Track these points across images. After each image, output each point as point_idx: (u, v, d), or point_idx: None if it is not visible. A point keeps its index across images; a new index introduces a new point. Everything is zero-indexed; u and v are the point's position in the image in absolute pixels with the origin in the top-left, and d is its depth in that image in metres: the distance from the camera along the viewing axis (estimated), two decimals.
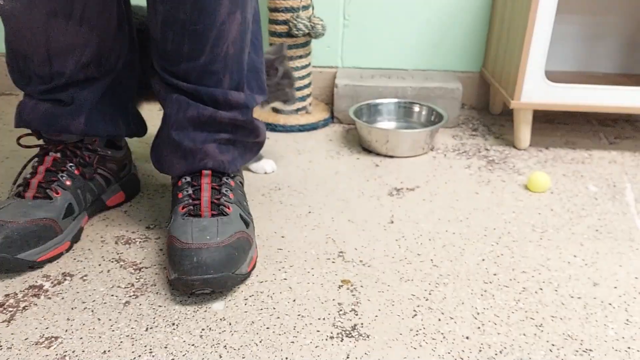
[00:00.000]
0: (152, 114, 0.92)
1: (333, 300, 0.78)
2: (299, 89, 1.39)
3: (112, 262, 0.86)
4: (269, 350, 0.69)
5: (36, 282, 0.81)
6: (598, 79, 1.40)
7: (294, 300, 0.78)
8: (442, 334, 0.72)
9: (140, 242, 0.91)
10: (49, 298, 0.77)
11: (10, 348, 0.68)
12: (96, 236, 0.93)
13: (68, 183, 0.90)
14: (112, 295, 0.78)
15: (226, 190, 0.87)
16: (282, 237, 0.93)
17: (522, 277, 0.83)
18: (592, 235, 0.95)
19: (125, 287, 0.80)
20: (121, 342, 0.70)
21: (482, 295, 0.79)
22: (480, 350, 0.69)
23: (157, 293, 0.79)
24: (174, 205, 0.86)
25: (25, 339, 0.70)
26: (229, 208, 0.84)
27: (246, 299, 0.78)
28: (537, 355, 0.68)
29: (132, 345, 0.69)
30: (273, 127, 1.39)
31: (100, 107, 0.92)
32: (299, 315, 0.75)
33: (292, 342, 0.70)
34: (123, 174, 1.03)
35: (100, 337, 0.70)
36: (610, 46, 1.46)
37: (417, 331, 0.72)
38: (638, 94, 1.20)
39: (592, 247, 0.92)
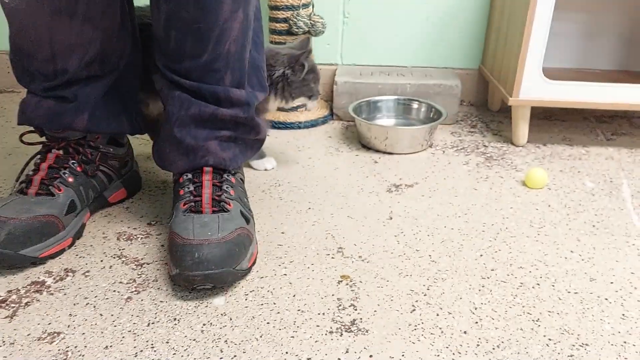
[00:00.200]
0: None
1: (332, 295, 0.79)
2: None
3: (114, 258, 0.87)
4: (269, 344, 0.69)
5: (38, 278, 0.82)
6: (596, 76, 1.41)
7: (294, 296, 0.79)
8: (440, 328, 0.73)
9: (141, 238, 0.92)
10: (51, 294, 0.78)
11: (13, 344, 0.69)
12: (98, 232, 0.93)
13: (70, 180, 0.90)
14: (114, 291, 0.79)
15: (227, 187, 0.88)
16: (282, 233, 0.94)
17: (519, 273, 0.84)
18: (589, 231, 0.96)
19: (127, 283, 0.81)
20: (123, 337, 0.71)
21: (480, 290, 0.80)
22: (478, 345, 0.70)
23: (158, 289, 0.80)
24: (175, 201, 0.87)
25: (28, 335, 0.71)
26: (229, 204, 0.85)
27: (247, 295, 0.79)
28: (534, 349, 0.69)
29: (134, 340, 0.70)
30: (273, 124, 1.40)
31: (103, 105, 0.93)
32: (299, 310, 0.76)
33: (292, 336, 0.71)
34: (125, 171, 1.03)
35: (102, 332, 0.71)
36: (607, 43, 1.47)
37: (416, 326, 0.73)
38: (634, 91, 1.20)
39: (589, 242, 0.93)
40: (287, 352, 0.68)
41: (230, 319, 0.74)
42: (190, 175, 0.89)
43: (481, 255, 0.88)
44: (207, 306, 0.76)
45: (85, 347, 0.69)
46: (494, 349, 0.69)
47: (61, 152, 0.92)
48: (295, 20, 1.34)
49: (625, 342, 0.71)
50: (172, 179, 0.94)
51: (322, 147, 1.30)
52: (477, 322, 0.74)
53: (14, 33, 0.86)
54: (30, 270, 0.83)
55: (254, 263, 0.84)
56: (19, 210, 0.83)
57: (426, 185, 1.12)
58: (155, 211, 1.00)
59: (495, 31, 1.41)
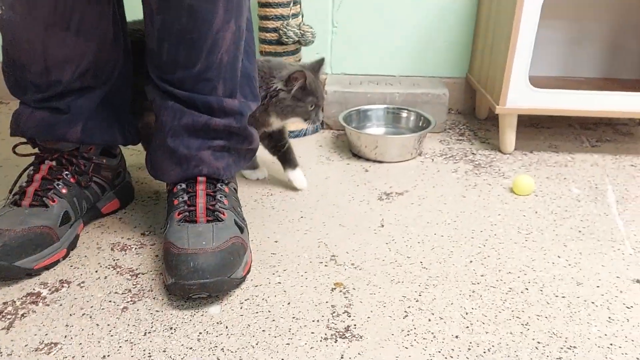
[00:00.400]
0: None
1: (326, 302, 0.80)
2: None
3: (109, 268, 0.87)
4: (265, 352, 0.71)
5: (34, 289, 0.82)
6: (581, 84, 1.44)
7: (289, 303, 0.80)
8: (432, 333, 0.74)
9: (136, 248, 0.93)
10: (47, 305, 0.79)
11: (10, 355, 0.70)
12: (92, 243, 0.94)
13: (64, 191, 0.91)
14: (110, 301, 0.80)
15: (221, 197, 0.89)
16: (276, 241, 0.95)
17: (508, 278, 0.86)
18: (575, 236, 0.98)
19: (122, 293, 0.82)
20: (120, 346, 0.71)
21: (470, 295, 0.82)
22: (469, 349, 0.72)
23: (154, 298, 0.80)
24: (170, 211, 0.88)
25: (25, 346, 0.71)
26: (223, 214, 0.86)
27: (242, 303, 0.80)
28: (524, 352, 0.71)
29: (131, 349, 0.71)
30: None
31: (96, 116, 0.93)
32: (293, 317, 0.77)
33: (288, 343, 0.72)
34: (118, 181, 1.04)
35: (99, 342, 0.72)
36: (592, 51, 1.50)
37: (409, 331, 0.74)
38: (618, 98, 1.24)
39: (576, 247, 0.95)
40: (282, 359, 0.69)
41: (226, 327, 0.75)
42: (184, 185, 0.90)
43: (471, 262, 0.90)
44: (203, 315, 0.77)
45: (83, 357, 0.69)
46: (484, 352, 0.71)
47: (54, 163, 0.93)
48: (285, 30, 1.36)
49: (611, 345, 0.73)
50: (165, 189, 0.95)
51: (313, 156, 1.31)
52: (468, 327, 0.75)
53: (6, 44, 0.87)
54: (26, 282, 0.84)
55: (248, 271, 0.85)
56: (14, 222, 0.84)
57: (416, 193, 1.13)
58: (148, 221, 1.01)
59: (482, 41, 1.43)
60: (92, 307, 0.79)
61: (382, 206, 1.08)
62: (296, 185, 1.13)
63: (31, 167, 0.94)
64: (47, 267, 0.86)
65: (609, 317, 0.78)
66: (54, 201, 0.89)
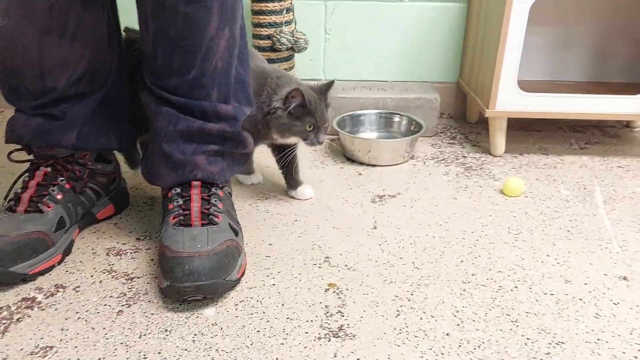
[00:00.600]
0: None
1: (320, 303, 0.81)
2: None
3: (104, 273, 0.88)
4: (259, 352, 0.72)
5: (29, 294, 0.83)
6: (569, 88, 1.46)
7: (283, 305, 0.81)
8: (424, 331, 0.75)
9: (131, 253, 0.94)
10: (43, 309, 0.80)
11: (6, 359, 0.70)
12: (87, 248, 0.95)
13: (59, 197, 0.92)
14: (105, 305, 0.81)
15: (215, 201, 0.90)
16: (270, 244, 0.96)
17: (498, 277, 0.88)
18: (564, 236, 1.00)
19: (117, 297, 0.82)
20: (115, 349, 0.72)
21: (461, 294, 0.83)
22: (459, 346, 0.73)
23: (149, 301, 0.81)
24: (165, 215, 0.89)
25: (21, 350, 0.72)
26: (218, 217, 0.87)
27: (236, 305, 0.81)
28: (513, 348, 0.72)
29: (127, 352, 0.72)
30: None
31: (91, 122, 0.95)
32: (287, 318, 0.78)
33: (282, 343, 0.73)
34: (112, 187, 1.05)
35: (95, 345, 0.73)
36: (580, 56, 1.53)
37: (401, 330, 0.76)
38: (604, 102, 1.26)
39: (564, 246, 0.96)
40: (277, 359, 0.70)
41: (221, 329, 0.76)
42: (179, 190, 0.91)
43: (462, 261, 0.92)
44: (198, 317, 0.78)
45: (78, 359, 0.70)
46: (475, 349, 0.72)
47: (49, 169, 0.94)
48: (278, 37, 1.38)
49: (598, 340, 0.74)
50: (160, 194, 0.96)
51: (307, 160, 1.33)
52: (458, 325, 0.77)
53: (2, 51, 0.88)
54: (21, 287, 0.84)
55: (243, 274, 0.87)
56: (9, 227, 0.84)
57: (408, 195, 1.15)
58: (143, 226, 1.02)
59: (472, 46, 1.46)
60: (87, 311, 0.79)
61: (375, 209, 1.09)
62: (299, 197, 1.14)
63: (26, 174, 0.94)
64: (42, 272, 0.87)
65: (596, 313, 0.79)
66: (49, 207, 0.90)
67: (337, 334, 0.75)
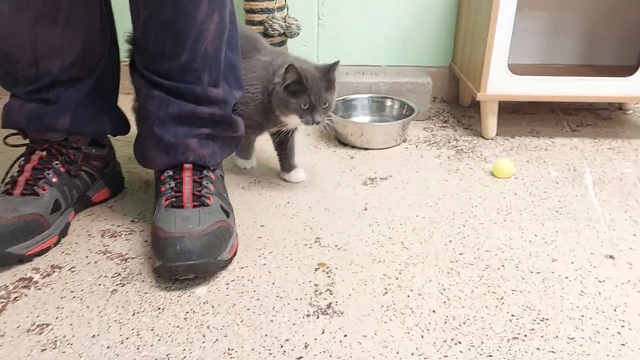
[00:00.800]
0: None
1: (310, 281, 0.83)
2: None
3: (99, 254, 0.90)
4: (249, 329, 0.73)
5: (26, 274, 0.84)
6: (559, 71, 1.47)
7: (273, 283, 0.82)
8: (410, 308, 0.77)
9: (125, 234, 0.95)
10: (39, 289, 0.81)
11: (3, 335, 0.72)
12: (83, 230, 0.96)
13: (54, 180, 0.93)
14: (100, 285, 0.82)
15: (207, 183, 0.92)
16: (262, 226, 0.98)
17: (486, 256, 0.89)
18: (552, 216, 1.01)
19: (112, 277, 0.84)
20: (109, 326, 0.74)
21: (448, 273, 0.85)
22: (445, 322, 0.75)
23: (142, 281, 0.83)
24: (158, 198, 0.91)
25: (18, 327, 0.74)
26: (209, 199, 0.89)
27: (228, 284, 0.82)
28: (498, 325, 0.74)
29: (120, 329, 0.73)
30: None
31: (85, 106, 0.96)
32: (277, 296, 0.80)
33: (271, 320, 0.75)
34: (107, 171, 1.06)
35: (89, 322, 0.75)
36: (571, 39, 1.53)
37: (388, 307, 0.77)
38: (593, 84, 1.27)
39: (552, 226, 0.98)
40: (266, 335, 0.72)
41: (212, 307, 0.78)
42: (171, 172, 0.92)
43: (450, 241, 0.93)
44: (190, 296, 0.80)
45: (73, 336, 0.72)
46: (460, 325, 0.74)
47: (44, 153, 0.95)
48: (270, 22, 1.38)
49: (582, 316, 0.76)
50: (153, 177, 0.98)
51: (301, 144, 1.34)
52: (445, 302, 0.78)
53: None
54: (18, 268, 0.86)
55: (234, 254, 0.88)
56: (5, 210, 0.86)
57: (400, 178, 1.16)
58: (138, 209, 1.04)
59: (464, 30, 1.46)
60: (82, 290, 0.81)
61: (366, 191, 1.11)
62: (292, 180, 1.15)
63: (22, 158, 0.96)
64: (38, 254, 0.88)
65: (582, 291, 0.81)
66: (44, 190, 0.91)
67: (325, 311, 0.77)
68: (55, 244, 0.92)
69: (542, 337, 0.72)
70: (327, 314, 0.76)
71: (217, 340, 0.71)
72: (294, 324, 0.74)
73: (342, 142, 1.34)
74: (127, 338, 0.72)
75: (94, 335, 0.72)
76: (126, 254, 0.90)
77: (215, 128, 0.95)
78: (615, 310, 0.77)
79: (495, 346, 0.70)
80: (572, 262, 0.88)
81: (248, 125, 1.05)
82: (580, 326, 0.74)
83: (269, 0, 1.38)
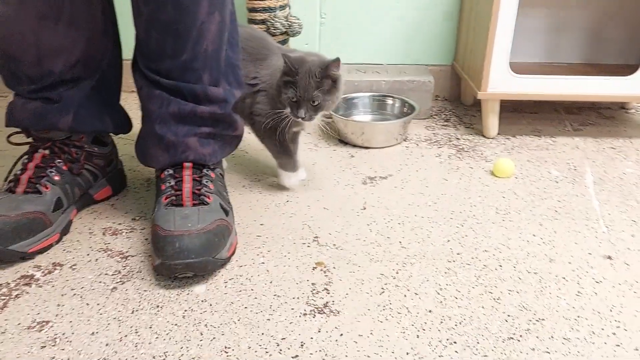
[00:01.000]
0: (137, 112, 0.97)
1: (307, 280, 0.84)
2: None
3: (100, 252, 0.91)
4: (246, 327, 0.74)
5: (27, 272, 0.86)
6: (562, 69, 1.46)
7: (271, 282, 0.83)
8: (407, 308, 0.78)
9: (126, 232, 0.96)
10: (40, 286, 0.82)
11: (4, 332, 0.73)
12: (84, 228, 0.97)
13: (57, 178, 0.94)
14: (100, 282, 0.83)
15: (206, 182, 0.92)
16: (261, 224, 0.99)
17: (483, 256, 0.90)
18: (551, 216, 1.01)
19: (112, 275, 0.85)
20: (108, 324, 0.75)
21: (445, 272, 0.85)
22: (441, 322, 0.75)
23: (142, 279, 0.84)
24: (158, 196, 0.92)
25: (18, 324, 0.75)
26: (209, 198, 0.89)
27: (226, 282, 0.83)
28: (494, 325, 0.74)
29: (119, 326, 0.74)
30: None
31: (87, 105, 0.97)
32: (275, 295, 0.80)
33: (268, 319, 0.76)
34: (109, 169, 1.07)
35: (88, 320, 0.76)
36: (574, 38, 1.53)
37: (384, 306, 0.78)
38: (597, 83, 1.26)
39: (551, 226, 0.98)
40: (262, 333, 0.73)
41: (210, 305, 0.78)
42: (171, 171, 0.93)
43: (448, 241, 0.94)
44: (188, 294, 0.81)
45: (73, 333, 0.73)
46: (456, 325, 0.74)
47: (47, 152, 0.96)
48: (272, 21, 1.39)
49: (578, 317, 0.76)
50: (154, 176, 0.99)
51: (301, 142, 1.34)
52: (441, 302, 0.79)
53: (0, 38, 0.90)
54: (20, 265, 0.87)
55: (233, 253, 0.89)
56: (8, 207, 0.87)
57: (399, 177, 1.17)
58: (139, 207, 1.05)
59: (465, 28, 1.46)
60: (82, 287, 0.82)
61: (365, 190, 1.11)
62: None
63: (25, 156, 0.97)
64: (40, 251, 0.89)
65: (578, 291, 0.81)
66: (47, 188, 0.92)
67: (322, 310, 0.77)
68: (57, 242, 0.93)
69: (537, 337, 0.72)
70: (324, 313, 0.77)
71: (214, 338, 0.72)
72: (290, 323, 0.75)
73: (343, 141, 1.35)
74: (126, 336, 0.73)
75: (93, 333, 0.73)
76: (127, 252, 0.91)
77: (216, 127, 0.96)
78: (611, 311, 0.77)
79: (490, 346, 0.71)
80: (569, 263, 0.88)
81: (271, 123, 1.02)
82: (575, 327, 0.74)
83: None
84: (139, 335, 0.73)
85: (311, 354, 0.70)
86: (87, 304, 0.79)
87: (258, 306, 0.78)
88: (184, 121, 0.93)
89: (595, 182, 1.14)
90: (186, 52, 0.89)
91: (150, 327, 0.74)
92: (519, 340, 0.72)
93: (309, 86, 0.97)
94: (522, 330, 0.74)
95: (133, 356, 0.69)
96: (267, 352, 0.70)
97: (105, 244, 0.93)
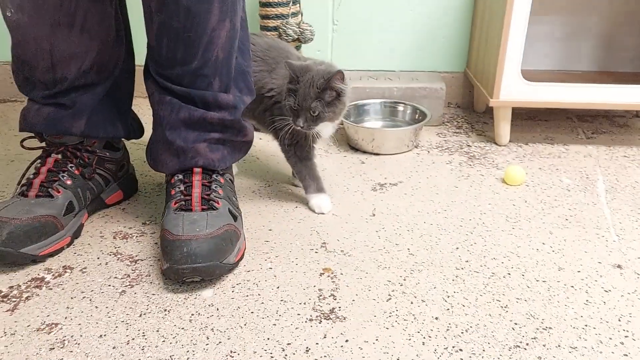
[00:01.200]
0: (150, 117, 0.98)
1: (314, 286, 0.84)
2: None
3: (110, 255, 0.92)
4: (252, 332, 0.74)
5: (38, 274, 0.87)
6: (575, 77, 1.45)
7: (278, 287, 0.83)
8: (413, 315, 0.77)
9: (136, 236, 0.97)
10: (50, 289, 0.83)
11: (14, 334, 0.74)
12: (95, 232, 0.99)
13: (68, 182, 0.96)
14: (109, 286, 0.84)
15: (216, 187, 0.93)
16: (270, 230, 0.99)
17: (492, 264, 0.89)
18: (561, 224, 1.00)
19: (121, 278, 0.86)
20: (116, 327, 0.76)
21: (453, 280, 0.85)
22: (447, 330, 0.75)
23: (151, 283, 0.85)
24: (167, 201, 0.93)
25: (28, 326, 0.76)
26: (218, 203, 0.90)
27: (233, 287, 0.84)
28: (500, 333, 0.74)
29: (127, 329, 0.75)
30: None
31: (100, 110, 0.98)
32: (281, 300, 0.81)
33: (274, 324, 0.76)
34: (121, 174, 1.09)
35: (97, 322, 0.76)
36: (588, 46, 1.52)
37: (391, 313, 0.78)
38: (611, 91, 1.25)
39: (561, 235, 0.97)
40: (268, 339, 0.73)
41: (217, 309, 0.79)
42: (181, 176, 0.94)
43: (457, 248, 0.93)
44: (196, 298, 0.81)
45: (81, 336, 0.74)
46: (462, 333, 0.74)
47: (60, 156, 0.98)
48: (284, 28, 1.39)
49: (586, 326, 0.75)
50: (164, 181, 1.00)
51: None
52: (448, 309, 0.78)
53: (15, 44, 0.92)
54: (31, 268, 0.88)
55: (241, 258, 0.89)
56: (20, 211, 0.88)
57: (409, 183, 1.16)
58: (150, 212, 1.06)
59: (478, 35, 1.46)
60: (92, 291, 0.83)
61: (375, 196, 1.11)
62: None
63: (38, 160, 0.99)
64: (51, 254, 0.91)
65: (587, 300, 0.80)
66: (58, 192, 0.94)
67: (328, 316, 0.77)
68: (68, 245, 0.94)
69: (544, 345, 0.72)
70: (330, 319, 0.77)
71: (220, 342, 0.73)
72: (296, 328, 0.75)
73: (353, 147, 1.35)
74: (133, 339, 0.73)
75: (101, 336, 0.74)
76: (136, 256, 0.92)
77: (225, 133, 0.96)
78: (619, 321, 0.76)
79: (496, 354, 0.70)
80: (578, 271, 0.87)
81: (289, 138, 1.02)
82: (583, 335, 0.73)
83: (284, 6, 1.40)
84: (146, 339, 0.73)
85: (316, 359, 0.70)
86: (96, 307, 0.79)
87: (264, 311, 0.78)
88: (193, 127, 0.93)
89: (607, 190, 1.13)
90: (196, 59, 0.90)
91: (158, 331, 0.75)
92: (525, 349, 0.71)
93: (307, 96, 0.96)
94: (529, 338, 0.73)
95: (139, 359, 0.70)
96: (272, 357, 0.70)
97: (116, 247, 0.94)
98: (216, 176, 0.95)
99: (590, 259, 0.90)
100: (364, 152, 1.32)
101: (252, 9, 1.50)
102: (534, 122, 1.52)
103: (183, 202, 0.89)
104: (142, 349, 0.72)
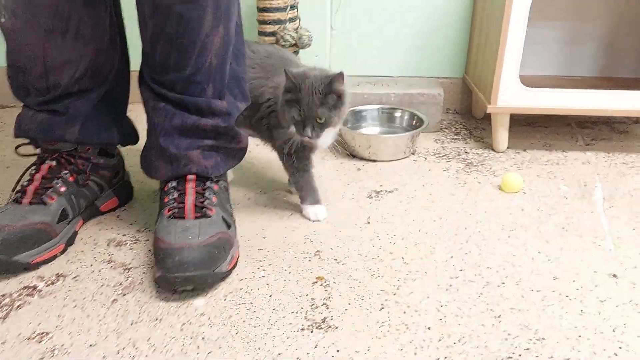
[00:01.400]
0: (145, 124, 0.98)
1: (307, 295, 0.83)
2: None
3: (103, 263, 0.92)
4: (243, 341, 0.74)
5: (31, 282, 0.87)
6: (575, 83, 1.44)
7: (270, 296, 0.83)
8: (406, 325, 0.77)
9: (130, 244, 0.97)
10: (42, 297, 0.83)
11: (4, 343, 0.74)
12: (89, 239, 0.98)
13: (62, 189, 0.96)
14: (102, 294, 0.84)
15: (209, 194, 0.93)
16: (264, 237, 0.99)
17: (486, 273, 0.88)
18: (558, 233, 0.99)
19: (114, 286, 0.86)
20: (107, 336, 0.75)
21: (447, 289, 0.84)
22: (440, 340, 0.74)
23: (143, 291, 0.84)
24: (161, 208, 0.92)
25: (19, 335, 0.75)
26: (211, 210, 0.90)
27: (226, 295, 0.83)
28: (493, 343, 0.73)
29: (117, 338, 0.75)
30: None
31: (94, 117, 0.98)
32: (273, 309, 0.80)
33: (266, 333, 0.75)
34: (116, 180, 1.08)
35: (88, 331, 0.76)
36: (588, 51, 1.51)
37: (383, 323, 0.77)
38: (610, 97, 1.24)
39: (557, 243, 0.96)
40: (259, 348, 0.73)
41: (209, 318, 0.78)
42: (175, 183, 0.94)
43: (452, 257, 0.92)
44: (187, 307, 0.81)
45: (71, 345, 0.73)
46: (455, 343, 0.73)
47: (54, 163, 0.97)
48: (282, 34, 1.39)
49: (580, 336, 0.74)
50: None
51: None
52: (441, 319, 0.78)
53: (10, 50, 0.92)
54: (24, 275, 0.88)
55: (234, 266, 0.89)
56: (13, 218, 0.88)
57: (405, 191, 1.16)
58: (145, 219, 1.05)
59: (476, 41, 1.45)
60: (84, 298, 0.83)
61: (370, 204, 1.10)
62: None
63: (33, 167, 0.99)
64: (44, 262, 0.90)
65: (581, 310, 0.79)
66: (52, 199, 0.93)
67: (320, 325, 0.77)
68: (62, 253, 0.94)
69: (536, 357, 0.71)
70: (322, 328, 0.76)
71: (210, 352, 0.72)
72: (287, 338, 0.74)
73: (350, 154, 1.34)
74: (124, 348, 0.73)
75: (91, 345, 0.74)
76: (129, 264, 0.91)
77: (219, 139, 0.96)
78: (614, 331, 0.75)
79: None
80: (574, 281, 0.86)
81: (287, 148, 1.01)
82: (576, 346, 0.73)
83: (281, 12, 1.40)
84: (136, 348, 0.73)
85: None
86: (88, 316, 0.79)
87: (256, 320, 0.78)
88: (186, 134, 0.93)
89: (605, 198, 1.12)
90: (190, 66, 0.90)
91: (148, 340, 0.74)
92: None
93: (312, 103, 0.93)
94: (522, 349, 0.72)
95: None
96: None
97: (109, 255, 0.94)
98: (210, 183, 0.95)
99: (586, 268, 0.89)
100: (361, 158, 1.32)
101: (250, 14, 1.50)
102: (533, 128, 1.51)
103: (176, 210, 0.89)
104: (132, 358, 0.71)
